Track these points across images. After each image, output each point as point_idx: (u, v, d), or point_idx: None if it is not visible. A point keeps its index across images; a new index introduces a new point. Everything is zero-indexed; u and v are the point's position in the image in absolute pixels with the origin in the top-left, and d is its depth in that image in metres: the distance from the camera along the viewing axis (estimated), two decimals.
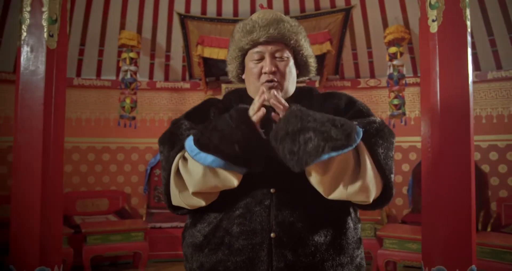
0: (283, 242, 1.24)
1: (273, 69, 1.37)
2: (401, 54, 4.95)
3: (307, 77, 1.60)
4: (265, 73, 1.37)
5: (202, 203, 1.28)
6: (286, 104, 1.24)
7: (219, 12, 5.63)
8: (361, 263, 1.38)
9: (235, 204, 1.28)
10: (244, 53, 1.45)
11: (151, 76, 6.12)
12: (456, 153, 2.25)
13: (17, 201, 2.35)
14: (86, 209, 5.50)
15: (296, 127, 1.16)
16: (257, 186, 1.26)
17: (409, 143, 5.63)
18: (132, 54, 5.27)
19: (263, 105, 1.27)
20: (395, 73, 4.93)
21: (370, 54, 5.73)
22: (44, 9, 2.40)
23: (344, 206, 1.31)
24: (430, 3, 2.35)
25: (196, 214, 1.36)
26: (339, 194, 1.20)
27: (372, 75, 5.86)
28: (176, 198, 1.31)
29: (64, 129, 5.48)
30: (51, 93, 2.40)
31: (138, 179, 5.88)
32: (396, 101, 4.94)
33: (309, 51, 1.51)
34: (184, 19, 5.45)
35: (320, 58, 5.33)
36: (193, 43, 5.45)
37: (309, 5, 5.43)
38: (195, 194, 1.26)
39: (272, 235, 1.24)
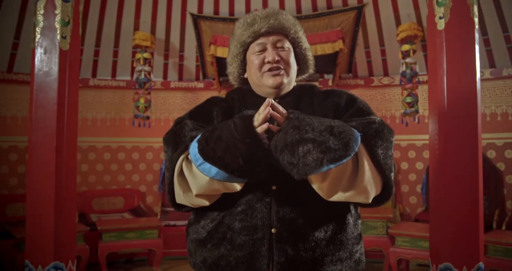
0: (284, 238, 1.26)
1: (277, 58, 1.40)
2: (414, 51, 4.91)
3: (306, 75, 1.62)
4: (268, 62, 1.40)
5: (206, 203, 1.31)
6: (284, 111, 1.25)
7: (231, 12, 5.66)
8: (360, 258, 1.39)
9: (237, 200, 1.31)
10: (245, 48, 1.48)
11: (165, 76, 6.19)
12: (463, 151, 2.24)
13: (32, 198, 2.42)
14: (102, 207, 5.60)
15: (295, 139, 1.17)
16: (259, 183, 1.28)
17: (423, 141, 5.58)
18: (146, 55, 5.35)
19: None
20: (408, 71, 4.90)
21: (383, 52, 5.70)
22: (57, 11, 2.46)
23: (344, 203, 1.32)
24: (437, 0, 2.35)
25: (200, 210, 1.40)
26: (338, 197, 1.23)
27: (386, 73, 5.83)
28: (180, 197, 1.34)
29: (80, 129, 5.60)
30: (64, 93, 2.47)
31: (153, 177, 5.96)
32: (409, 99, 4.91)
33: (307, 44, 1.55)
34: (197, 19, 5.49)
35: (333, 57, 5.32)
36: (206, 43, 5.50)
37: (321, 3, 5.42)
38: (198, 195, 1.29)
39: (273, 230, 1.27)
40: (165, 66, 6.14)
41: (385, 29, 5.51)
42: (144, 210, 5.66)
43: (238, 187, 1.26)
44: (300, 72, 1.57)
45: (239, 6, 5.62)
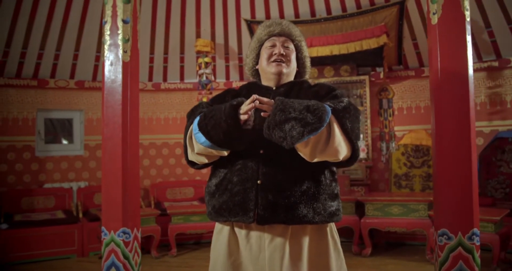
0: (266, 187, 1.70)
1: (282, 52, 1.88)
2: None
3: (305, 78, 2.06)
4: (275, 54, 1.88)
5: (205, 161, 1.81)
6: (270, 101, 1.65)
7: (281, 15, 6.12)
8: (335, 212, 1.79)
9: (237, 161, 1.77)
10: (261, 44, 1.97)
11: (227, 77, 6.80)
12: (456, 134, 2.50)
13: (106, 180, 3.06)
14: (174, 197, 6.33)
15: (282, 119, 1.59)
16: (251, 148, 1.74)
17: (476, 128, 5.63)
18: (206, 59, 5.99)
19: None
20: None
21: None
22: (119, 31, 3.07)
23: (319, 166, 1.74)
24: None
25: (212, 171, 1.88)
26: (318, 158, 1.65)
27: None
28: (189, 155, 1.85)
29: (154, 127, 6.36)
30: (127, 96, 3.06)
31: None
32: None
33: (307, 54, 2.03)
34: (250, 24, 6.03)
35: (379, 51, 5.58)
36: None
37: (364, 1, 5.70)
38: (198, 154, 1.79)
39: (258, 182, 1.70)
40: (227, 68, 6.75)
41: None
42: None
43: (225, 153, 1.74)
44: (298, 75, 2.03)
45: (288, 10, 6.07)
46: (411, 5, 5.53)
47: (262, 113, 1.66)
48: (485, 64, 5.64)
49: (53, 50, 5.87)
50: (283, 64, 1.87)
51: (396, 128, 6.12)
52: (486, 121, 5.68)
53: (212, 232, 1.96)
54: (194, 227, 5.12)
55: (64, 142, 6.35)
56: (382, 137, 6.14)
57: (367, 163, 6.01)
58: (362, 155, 6.11)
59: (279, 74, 1.88)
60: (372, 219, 4.81)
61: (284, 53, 1.88)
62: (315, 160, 1.66)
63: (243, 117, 1.65)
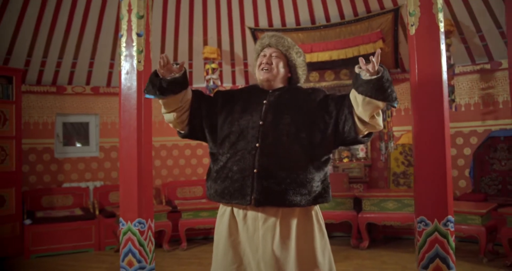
0: (261, 175, 2.00)
1: (267, 61, 2.18)
2: (449, 46, 5.34)
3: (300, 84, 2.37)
4: (262, 63, 2.19)
5: (171, 117, 2.12)
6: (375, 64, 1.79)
7: (283, 23, 6.47)
8: (322, 195, 2.08)
9: (236, 153, 2.07)
10: (258, 54, 2.29)
11: (233, 81, 7.14)
12: (432, 133, 2.82)
13: (123, 176, 3.42)
14: (184, 195, 6.68)
15: (388, 84, 1.84)
16: (249, 142, 2.05)
17: (470, 128, 5.96)
18: (213, 65, 6.35)
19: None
20: None
21: None
22: (134, 44, 3.44)
23: (307, 157, 2.04)
24: (409, 11, 2.98)
25: (212, 161, 2.18)
26: (367, 128, 1.97)
27: None
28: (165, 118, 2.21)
29: (165, 130, 6.72)
30: (141, 101, 3.42)
31: None
32: None
33: (298, 62, 2.29)
34: (254, 32, 6.39)
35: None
36: None
37: (361, 9, 6.02)
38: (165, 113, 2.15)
39: (255, 171, 2.01)
40: (233, 73, 7.10)
41: None
42: None
43: (160, 102, 2.07)
44: (292, 81, 2.32)
45: (289, 18, 6.42)
46: (405, 12, 5.81)
47: (369, 68, 1.83)
48: (478, 67, 5.93)
49: (71, 59, 6.28)
50: (268, 71, 2.16)
51: (394, 128, 6.41)
52: (480, 121, 5.95)
53: None
54: (202, 222, 5.47)
55: (78, 144, 6.75)
56: (381, 137, 6.43)
57: (365, 162, 6.32)
58: (361, 154, 6.43)
59: (266, 80, 2.18)
60: (369, 213, 5.12)
61: (269, 62, 2.18)
62: (370, 121, 1.92)
63: (158, 71, 1.98)
